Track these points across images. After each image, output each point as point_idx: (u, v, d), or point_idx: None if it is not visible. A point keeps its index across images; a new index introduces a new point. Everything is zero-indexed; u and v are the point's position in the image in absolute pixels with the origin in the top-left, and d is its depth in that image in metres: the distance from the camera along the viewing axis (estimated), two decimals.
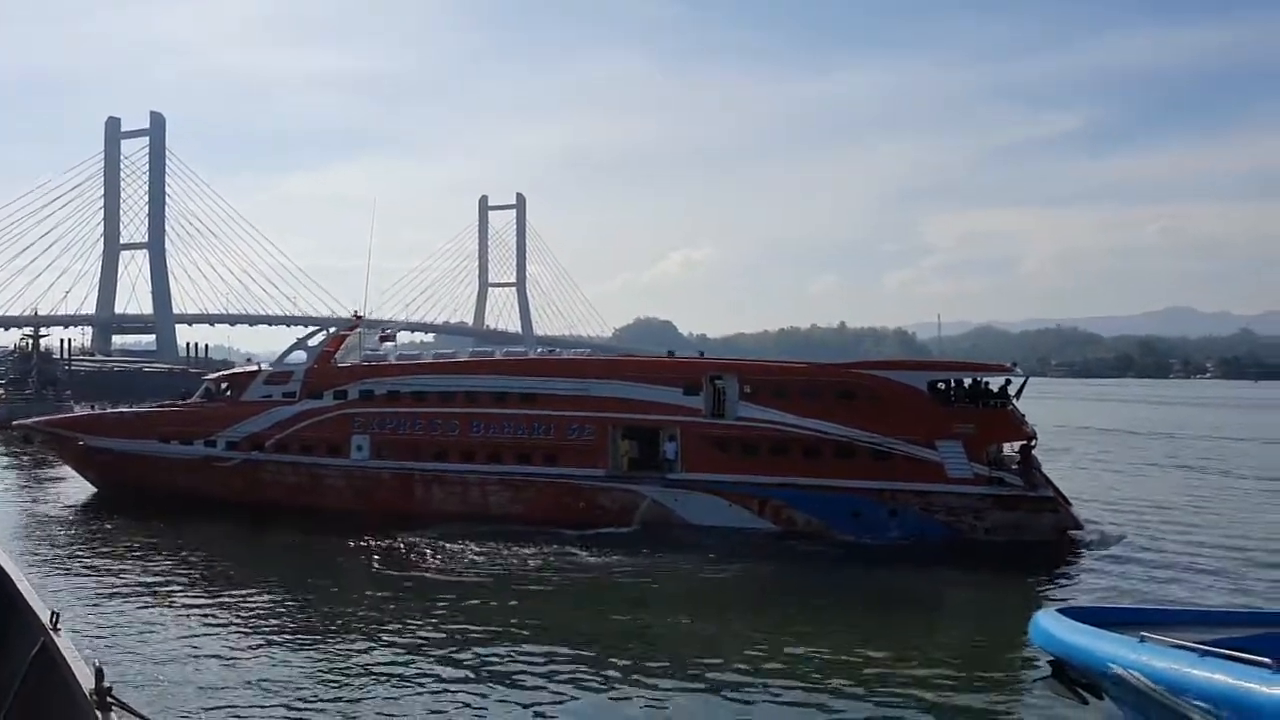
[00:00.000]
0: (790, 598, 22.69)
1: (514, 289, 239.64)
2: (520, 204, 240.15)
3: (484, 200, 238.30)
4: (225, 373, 36.83)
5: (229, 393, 34.87)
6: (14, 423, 44.71)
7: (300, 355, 35.79)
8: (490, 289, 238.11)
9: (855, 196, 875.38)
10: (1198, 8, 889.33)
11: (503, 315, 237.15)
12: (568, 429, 30.28)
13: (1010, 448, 29.02)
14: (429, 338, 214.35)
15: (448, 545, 26.35)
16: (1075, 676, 8.77)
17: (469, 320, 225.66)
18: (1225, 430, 77.95)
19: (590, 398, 30.46)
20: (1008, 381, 29.65)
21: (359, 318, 36.53)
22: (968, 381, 29.93)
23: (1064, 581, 24.38)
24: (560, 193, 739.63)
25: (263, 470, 32.64)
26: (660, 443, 29.80)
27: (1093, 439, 64.76)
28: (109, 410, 40.58)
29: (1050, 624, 9.07)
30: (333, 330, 36.92)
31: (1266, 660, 7.00)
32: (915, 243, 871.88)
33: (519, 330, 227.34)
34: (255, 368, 36.65)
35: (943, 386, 29.52)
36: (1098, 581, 23.92)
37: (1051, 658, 8.97)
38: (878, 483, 28.19)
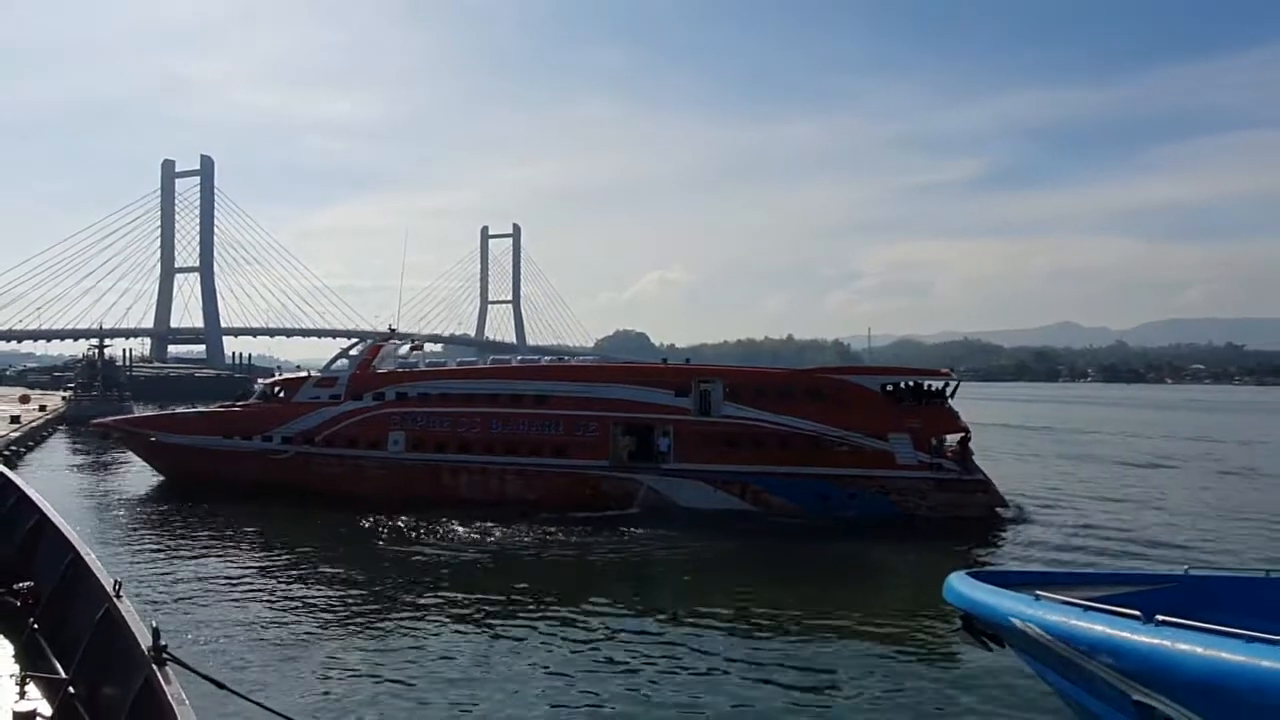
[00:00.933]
0: (765, 565, 22.65)
1: (510, 305, 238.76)
2: (516, 233, 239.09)
3: (485, 230, 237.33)
4: (279, 378, 36.19)
5: (282, 395, 34.33)
6: (92, 421, 43.64)
7: (344, 363, 35.31)
8: (490, 305, 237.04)
9: (800, 227, 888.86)
10: (1077, 71, 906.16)
11: (500, 328, 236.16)
12: (575, 426, 29.91)
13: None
14: (437, 347, 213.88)
15: (472, 524, 25.75)
16: (982, 628, 8.79)
17: (471, 332, 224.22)
18: (1107, 425, 78.90)
19: (595, 399, 30.11)
20: (945, 384, 29.73)
21: (393, 331, 36.06)
22: (913, 384, 29.93)
23: (991, 549, 24.55)
24: (550, 220, 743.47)
25: (312, 462, 32.07)
26: (655, 438, 29.48)
27: (999, 433, 65.11)
28: (177, 410, 39.74)
29: (960, 584, 9.06)
30: (370, 342, 36.39)
31: (1136, 612, 7.10)
32: (850, 268, 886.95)
33: (514, 341, 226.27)
34: (305, 374, 36.05)
35: (892, 389, 29.56)
36: (1017, 548, 24.25)
37: (962, 612, 8.97)
38: (840, 469, 28.11)
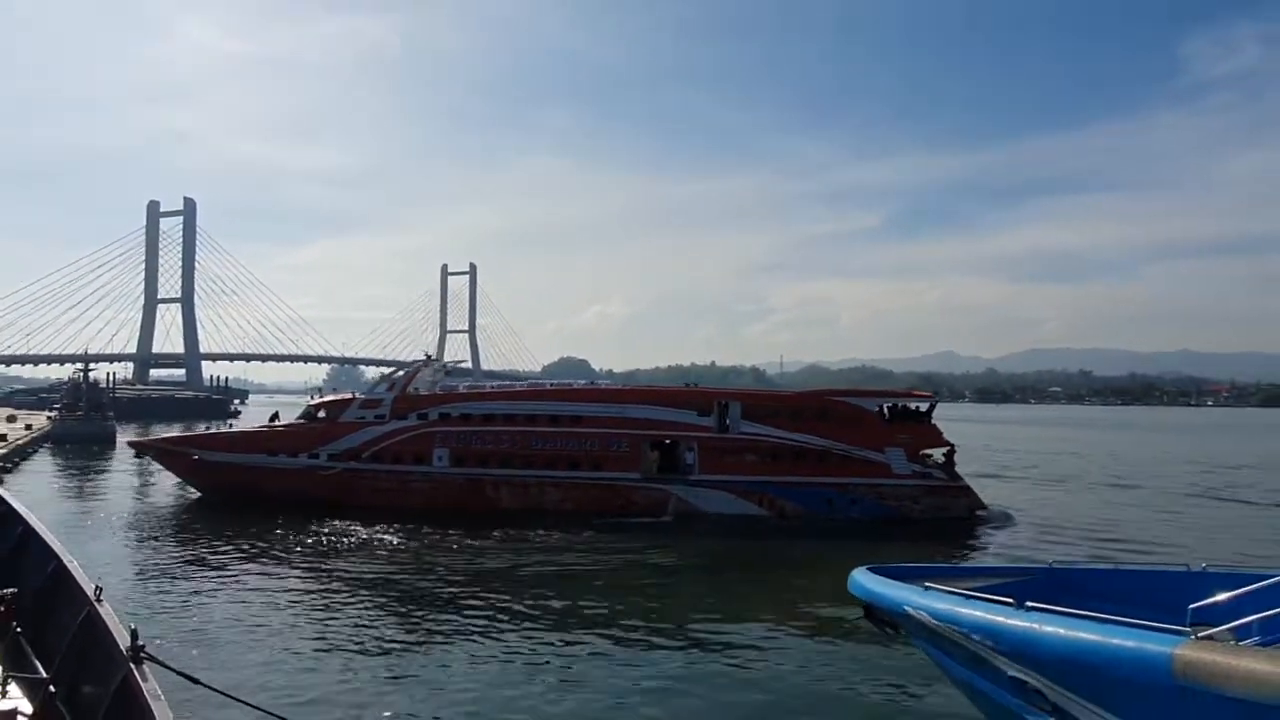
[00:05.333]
0: (775, 562, 22.86)
1: (467, 335, 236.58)
2: (472, 271, 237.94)
3: (444, 268, 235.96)
4: (322, 400, 34.91)
5: (326, 416, 33.31)
6: (128, 441, 41.53)
7: (383, 387, 34.58)
8: (448, 335, 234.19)
9: (722, 267, 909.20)
10: (961, 138, 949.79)
11: (457, 355, 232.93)
12: (609, 443, 29.81)
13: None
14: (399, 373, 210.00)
15: (501, 530, 25.19)
16: (881, 616, 8.84)
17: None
18: (1027, 442, 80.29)
19: (626, 418, 30.08)
20: (929, 405, 30.62)
21: (429, 358, 35.45)
22: (904, 405, 30.74)
23: (969, 544, 25.37)
24: (504, 258, 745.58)
25: (359, 477, 31.16)
26: (681, 452, 29.58)
27: None
28: (219, 431, 38.11)
29: (862, 578, 9.06)
30: (407, 370, 35.67)
31: (1009, 600, 7.25)
32: (765, 303, 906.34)
33: (470, 366, 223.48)
34: (350, 395, 35.05)
35: (886, 409, 30.25)
36: (987, 541, 25.40)
37: (863, 603, 8.99)
38: (844, 479, 28.65)
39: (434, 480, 30.48)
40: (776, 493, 28.66)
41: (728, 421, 29.61)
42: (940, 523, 27.76)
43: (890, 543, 24.88)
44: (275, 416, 38.64)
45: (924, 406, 30.41)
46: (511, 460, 30.19)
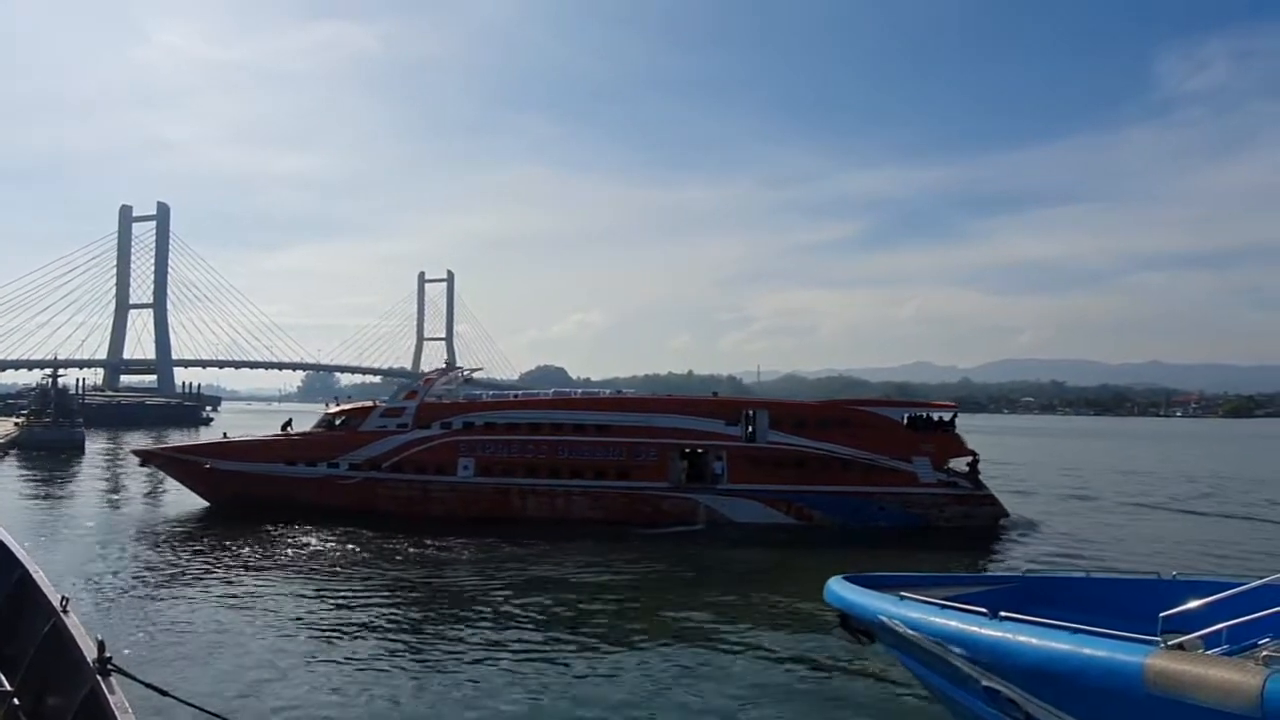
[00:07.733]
0: (798, 570, 22.91)
1: (443, 342, 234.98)
2: (450, 278, 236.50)
3: (422, 275, 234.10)
4: (341, 408, 34.72)
5: (345, 425, 33.16)
6: (133, 450, 40.79)
7: (401, 395, 34.50)
8: (425, 342, 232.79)
9: (699, 276, 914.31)
10: (935, 151, 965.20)
11: (435, 362, 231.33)
12: (636, 452, 30.08)
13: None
14: (376, 379, 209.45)
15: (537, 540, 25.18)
16: (856, 626, 8.72)
17: (408, 366, 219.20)
18: (1020, 453, 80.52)
19: (654, 427, 30.37)
20: (953, 415, 31.29)
21: (449, 366, 35.48)
22: (928, 414, 31.42)
23: (993, 553, 25.85)
24: (483, 266, 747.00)
25: (380, 486, 31.12)
26: (709, 462, 29.92)
27: None
28: (234, 439, 37.70)
29: (838, 587, 8.97)
30: (428, 378, 35.62)
31: (983, 609, 7.30)
32: (742, 313, 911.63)
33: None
34: (369, 404, 34.91)
35: (911, 418, 30.89)
36: (1012, 550, 25.77)
37: (839, 612, 8.86)
38: (870, 487, 29.18)
39: (459, 489, 30.52)
40: (805, 501, 29.13)
41: (754, 430, 30.08)
42: (965, 532, 28.37)
43: (916, 551, 25.29)
44: (288, 424, 38.37)
45: (947, 416, 31.09)
46: (538, 469, 30.34)
